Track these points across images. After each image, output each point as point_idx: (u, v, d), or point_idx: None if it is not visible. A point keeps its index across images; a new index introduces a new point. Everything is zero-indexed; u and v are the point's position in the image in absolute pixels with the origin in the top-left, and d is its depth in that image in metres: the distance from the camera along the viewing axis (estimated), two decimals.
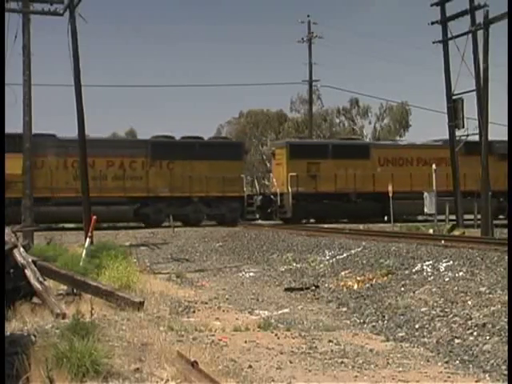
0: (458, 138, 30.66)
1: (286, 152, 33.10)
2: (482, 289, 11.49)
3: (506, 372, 7.60)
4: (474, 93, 27.37)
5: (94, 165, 27.46)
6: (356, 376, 7.79)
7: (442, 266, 13.87)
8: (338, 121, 63.87)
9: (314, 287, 14.83)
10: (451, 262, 14.00)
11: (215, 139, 34.44)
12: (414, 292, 12.49)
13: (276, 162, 34.75)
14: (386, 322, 11.07)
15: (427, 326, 10.37)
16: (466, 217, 30.42)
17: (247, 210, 32.70)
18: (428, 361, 8.69)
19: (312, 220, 33.74)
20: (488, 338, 9.23)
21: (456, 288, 11.95)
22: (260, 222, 33.75)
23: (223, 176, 30.87)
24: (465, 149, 34.03)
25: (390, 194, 28.79)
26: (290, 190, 32.00)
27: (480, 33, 25.88)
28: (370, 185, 33.55)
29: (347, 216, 33.87)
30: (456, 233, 25.66)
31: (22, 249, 10.48)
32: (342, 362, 8.37)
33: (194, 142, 32.17)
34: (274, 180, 34.01)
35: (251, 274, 17.97)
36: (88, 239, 16.16)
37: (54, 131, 30.93)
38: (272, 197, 33.41)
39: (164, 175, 30.62)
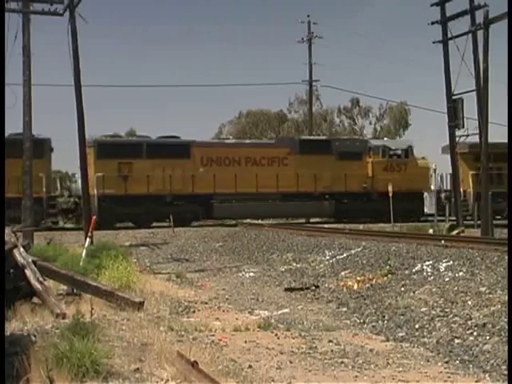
0: (458, 139, 30.51)
1: (94, 151, 29.81)
2: (482, 289, 11.49)
3: (506, 372, 7.61)
4: (474, 93, 27.35)
5: None
6: (356, 376, 7.79)
7: (442, 266, 13.86)
8: (338, 120, 63.98)
9: (313, 287, 14.82)
10: (451, 262, 13.99)
11: (12, 135, 29.82)
12: (414, 292, 12.49)
13: None
14: (386, 321, 11.06)
15: (427, 325, 10.37)
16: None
17: (48, 212, 29.90)
18: (428, 361, 8.69)
19: (130, 224, 31.21)
20: (488, 337, 9.23)
21: (456, 288, 11.95)
22: (260, 221, 33.47)
23: (20, 175, 28.41)
24: (299, 147, 33.16)
25: (390, 194, 28.76)
26: (95, 191, 29.02)
27: (480, 33, 25.87)
28: (190, 186, 31.25)
29: (165, 219, 30.97)
30: (455, 231, 25.66)
31: (21, 249, 10.48)
32: (342, 362, 8.37)
33: None
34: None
35: (251, 273, 17.97)
36: (88, 239, 16.18)
37: (54, 131, 30.85)
38: (76, 199, 29.88)
39: None
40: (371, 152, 34.37)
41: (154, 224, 31.75)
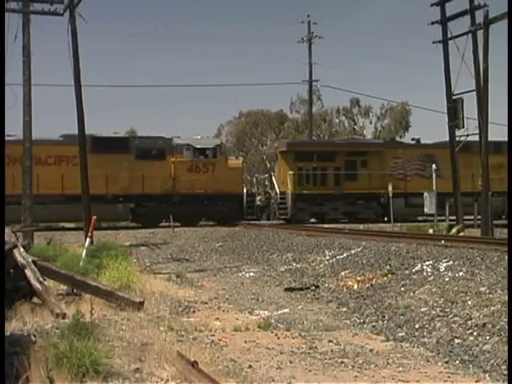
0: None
1: None
2: (482, 289, 11.48)
3: (506, 372, 7.61)
4: (474, 93, 27.33)
5: None
6: (356, 376, 7.79)
7: (442, 266, 13.86)
8: (337, 121, 63.98)
9: (314, 287, 14.83)
10: (451, 262, 13.99)
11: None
12: (414, 292, 12.49)
13: None
14: (386, 321, 11.06)
15: (427, 326, 10.37)
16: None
17: None
18: (428, 361, 8.69)
19: None
20: (488, 338, 9.23)
21: (456, 288, 11.95)
22: (261, 221, 33.43)
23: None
24: (91, 146, 28.28)
25: (390, 194, 28.76)
26: None
27: (480, 33, 25.84)
28: None
29: None
30: (453, 229, 25.63)
31: (21, 249, 10.47)
32: (342, 362, 8.37)
33: None
34: None
35: (251, 273, 17.98)
36: (88, 239, 16.17)
37: (54, 131, 30.81)
38: None
39: None
40: (174, 151, 32.34)
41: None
